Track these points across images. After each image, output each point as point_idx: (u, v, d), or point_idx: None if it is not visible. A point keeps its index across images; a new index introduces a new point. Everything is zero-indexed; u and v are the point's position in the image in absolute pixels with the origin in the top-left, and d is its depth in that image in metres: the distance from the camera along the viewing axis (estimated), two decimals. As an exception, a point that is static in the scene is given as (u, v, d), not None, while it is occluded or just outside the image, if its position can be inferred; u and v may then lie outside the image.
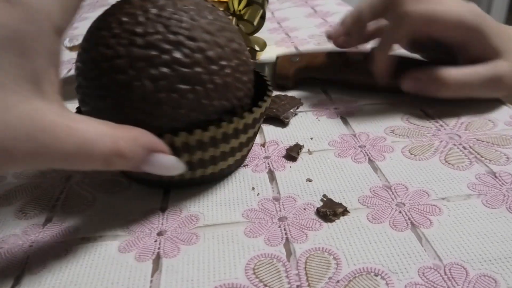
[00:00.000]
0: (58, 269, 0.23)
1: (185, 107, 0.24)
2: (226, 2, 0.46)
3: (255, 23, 0.47)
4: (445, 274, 0.21)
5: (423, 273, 0.21)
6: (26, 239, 0.25)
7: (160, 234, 0.25)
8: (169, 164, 0.22)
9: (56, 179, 0.31)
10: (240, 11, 0.47)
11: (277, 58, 0.43)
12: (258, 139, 0.34)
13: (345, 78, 0.41)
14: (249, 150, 0.30)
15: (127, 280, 0.22)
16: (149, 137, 0.22)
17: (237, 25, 0.46)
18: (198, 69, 0.24)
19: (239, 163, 0.30)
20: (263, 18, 0.48)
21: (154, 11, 0.24)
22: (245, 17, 0.46)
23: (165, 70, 0.23)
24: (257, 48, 0.48)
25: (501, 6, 2.32)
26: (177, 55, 0.23)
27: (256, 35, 0.50)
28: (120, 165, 0.20)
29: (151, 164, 0.21)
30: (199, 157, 0.26)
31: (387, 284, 0.21)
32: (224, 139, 0.26)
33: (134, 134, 0.21)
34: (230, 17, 0.46)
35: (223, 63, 0.25)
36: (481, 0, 2.37)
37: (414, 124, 0.35)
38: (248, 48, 0.47)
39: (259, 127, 0.30)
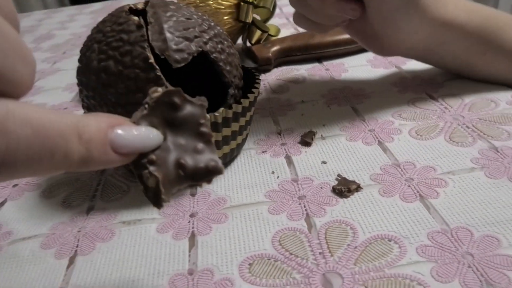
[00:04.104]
0: (106, 249, 0.26)
1: None
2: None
3: (271, 8, 0.50)
4: (452, 236, 0.24)
5: (432, 237, 0.24)
6: (74, 226, 0.28)
7: (192, 215, 0.28)
8: (138, 132, 0.18)
9: (92, 173, 0.34)
10: (254, 1, 0.50)
11: (252, 46, 0.50)
12: (274, 128, 0.37)
13: (311, 48, 0.49)
14: (243, 140, 0.33)
15: (168, 255, 0.25)
16: (105, 115, 0.18)
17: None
18: None
19: (232, 153, 0.32)
20: (274, 4, 0.51)
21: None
22: (260, 4, 0.49)
23: None
24: (272, 33, 0.51)
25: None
26: None
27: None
28: (80, 146, 0.16)
29: (118, 137, 0.17)
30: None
31: (400, 247, 0.23)
32: (225, 123, 0.29)
33: (89, 116, 0.17)
34: (246, 5, 0.49)
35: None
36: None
37: (420, 108, 0.37)
38: (266, 34, 0.51)
39: (251, 117, 0.33)
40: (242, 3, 0.49)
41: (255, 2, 0.50)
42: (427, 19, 0.34)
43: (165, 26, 0.26)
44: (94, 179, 0.33)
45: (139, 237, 0.27)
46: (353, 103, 0.40)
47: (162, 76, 0.26)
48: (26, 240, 0.28)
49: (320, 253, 0.24)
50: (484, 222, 0.24)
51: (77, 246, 0.27)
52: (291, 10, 0.73)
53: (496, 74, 0.38)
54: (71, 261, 0.26)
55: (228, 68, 0.29)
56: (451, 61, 0.39)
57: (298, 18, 0.36)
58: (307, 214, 0.27)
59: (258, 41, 0.52)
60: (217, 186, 0.30)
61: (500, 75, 0.38)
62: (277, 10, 0.74)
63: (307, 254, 0.24)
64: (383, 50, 0.37)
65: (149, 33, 0.26)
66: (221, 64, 0.29)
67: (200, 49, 0.28)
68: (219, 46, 0.29)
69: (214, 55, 0.28)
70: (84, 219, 0.29)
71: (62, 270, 0.25)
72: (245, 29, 0.52)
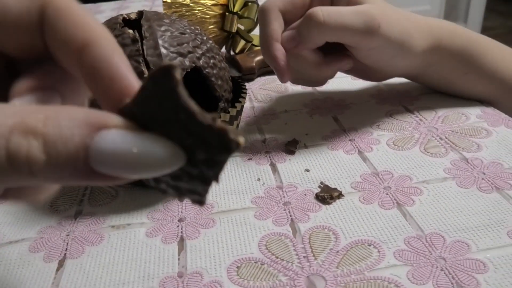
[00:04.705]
0: (96, 253, 0.27)
1: None
2: (226, 4, 0.50)
3: (255, 18, 0.52)
4: (426, 241, 0.25)
5: (408, 242, 0.26)
6: (62, 229, 0.29)
7: (180, 220, 0.29)
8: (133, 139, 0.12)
9: (79, 178, 0.34)
10: (239, 11, 0.51)
11: (235, 56, 0.51)
12: (258, 136, 0.38)
13: None
14: None
15: (158, 259, 0.26)
16: (82, 110, 0.13)
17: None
18: None
19: None
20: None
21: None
22: (245, 15, 0.51)
23: None
24: (255, 43, 0.53)
25: (479, 4, 2.41)
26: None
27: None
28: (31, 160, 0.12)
29: (102, 145, 0.12)
30: None
31: (378, 251, 0.25)
32: None
33: (65, 108, 0.12)
34: (231, 15, 0.50)
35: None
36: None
37: (397, 119, 0.39)
38: (250, 44, 0.52)
39: (238, 125, 0.34)
40: (227, 13, 0.50)
41: (239, 12, 0.51)
42: (420, 52, 0.37)
43: (160, 41, 0.27)
44: (81, 184, 0.33)
45: (129, 241, 0.27)
46: (334, 113, 0.41)
47: None
48: (13, 244, 0.28)
49: (304, 256, 0.25)
50: (455, 228, 0.26)
51: (66, 250, 0.27)
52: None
53: (473, 93, 0.42)
54: (61, 264, 0.26)
55: (219, 82, 0.30)
56: (437, 80, 0.42)
57: (297, 81, 0.39)
58: (291, 219, 0.28)
59: (242, 51, 0.53)
60: (205, 192, 0.31)
61: (478, 94, 0.42)
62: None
63: (292, 258, 0.25)
64: (381, 79, 0.42)
65: (144, 47, 0.27)
66: (213, 79, 0.30)
67: (193, 65, 0.29)
68: (211, 61, 0.30)
69: (206, 70, 0.29)
70: (72, 223, 0.29)
71: (51, 273, 0.25)
72: (230, 38, 0.53)
